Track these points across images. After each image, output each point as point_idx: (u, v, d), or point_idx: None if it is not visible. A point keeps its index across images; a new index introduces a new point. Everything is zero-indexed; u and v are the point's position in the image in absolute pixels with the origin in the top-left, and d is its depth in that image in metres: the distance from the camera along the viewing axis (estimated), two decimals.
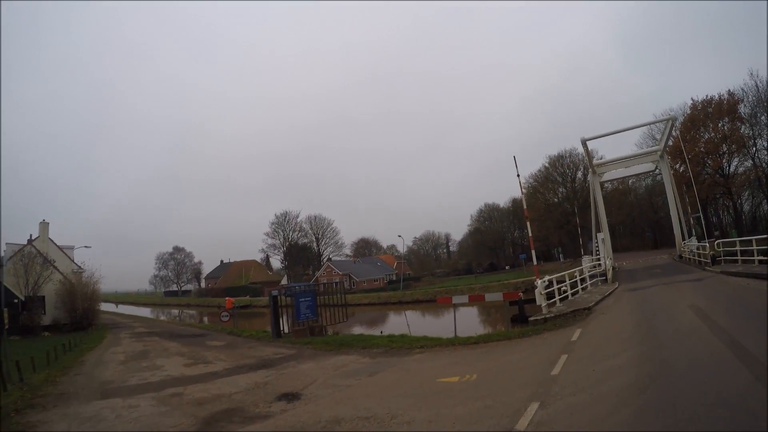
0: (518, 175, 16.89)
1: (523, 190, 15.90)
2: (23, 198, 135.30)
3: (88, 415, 8.91)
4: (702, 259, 23.83)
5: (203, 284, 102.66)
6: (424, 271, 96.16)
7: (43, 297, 33.97)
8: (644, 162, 34.18)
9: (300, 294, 22.34)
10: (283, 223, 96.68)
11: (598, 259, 29.90)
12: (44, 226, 38.96)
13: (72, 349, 22.08)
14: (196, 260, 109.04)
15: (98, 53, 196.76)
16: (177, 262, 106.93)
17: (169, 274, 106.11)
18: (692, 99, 50.91)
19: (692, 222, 37.16)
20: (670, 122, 27.88)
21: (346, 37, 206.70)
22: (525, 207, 16.78)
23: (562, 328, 13.10)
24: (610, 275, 23.26)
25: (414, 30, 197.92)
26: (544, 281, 15.86)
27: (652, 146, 37.78)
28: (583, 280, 21.43)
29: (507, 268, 73.30)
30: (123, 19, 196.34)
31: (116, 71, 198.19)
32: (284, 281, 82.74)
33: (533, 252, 17.36)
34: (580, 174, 65.17)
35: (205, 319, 52.51)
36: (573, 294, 19.23)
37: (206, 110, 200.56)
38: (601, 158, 40.55)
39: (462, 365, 10.39)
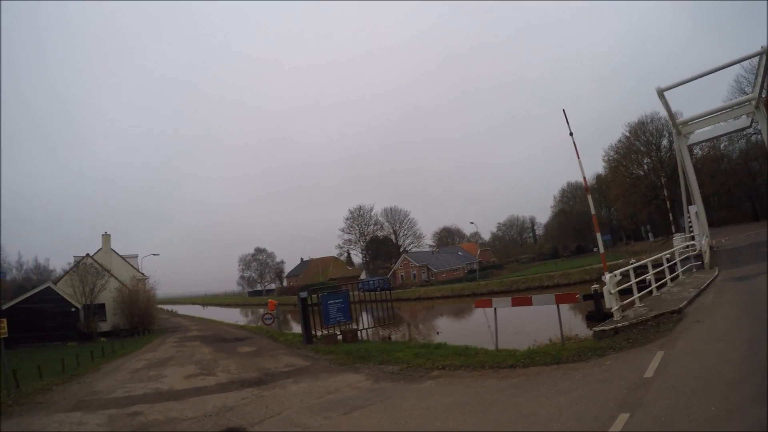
0: (571, 134, 12.66)
1: (581, 157, 11.66)
2: (120, 213, 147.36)
3: (35, 428, 9.06)
4: None
5: (285, 283, 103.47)
6: (509, 258, 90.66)
7: (103, 305, 34.64)
8: (736, 115, 27.50)
9: (328, 296, 19.81)
10: (357, 217, 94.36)
11: (692, 237, 24.47)
12: (106, 237, 40.19)
13: (107, 354, 21.85)
14: (278, 260, 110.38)
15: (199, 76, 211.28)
16: (259, 262, 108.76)
17: (253, 274, 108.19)
18: None
19: None
20: (765, 57, 21.56)
21: (410, 31, 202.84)
22: (583, 176, 12.41)
23: (637, 347, 8.91)
24: (707, 258, 18.21)
25: (479, 12, 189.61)
26: (615, 275, 11.65)
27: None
28: (672, 268, 16.70)
29: (595, 250, 66.03)
30: (219, 36, 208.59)
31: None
32: (363, 276, 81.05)
33: (599, 235, 13.09)
34: (665, 141, 56.42)
35: (289, 317, 51.14)
36: (659, 287, 14.70)
37: (288, 120, 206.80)
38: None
39: (468, 412, 6.92)
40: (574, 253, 76.20)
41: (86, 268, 33.78)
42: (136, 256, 45.41)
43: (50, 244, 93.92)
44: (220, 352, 20.01)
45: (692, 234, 25.08)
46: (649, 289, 13.98)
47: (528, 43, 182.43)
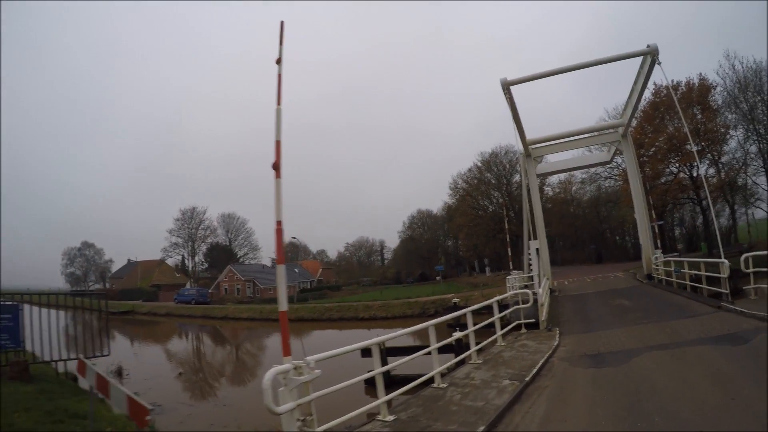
0: (278, 61, 4.70)
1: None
2: None
3: None
4: (703, 286, 12.38)
5: (108, 284, 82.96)
6: (351, 279, 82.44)
7: None
8: (599, 142, 23.48)
9: None
10: (188, 219, 77.07)
11: (531, 278, 18.31)
12: None
13: None
14: (106, 258, 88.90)
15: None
16: (86, 258, 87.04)
17: (77, 272, 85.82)
18: (654, 84, 35.90)
19: (656, 231, 25.29)
20: (649, 59, 16.26)
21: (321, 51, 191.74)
22: (278, 159, 4.28)
23: None
24: (544, 313, 11.35)
25: (387, 51, 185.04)
26: (306, 363, 3.84)
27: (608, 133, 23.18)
28: (485, 328, 9.45)
29: (438, 278, 61.20)
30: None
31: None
32: (189, 284, 68.34)
33: (281, 269, 4.88)
34: (517, 177, 52.64)
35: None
36: (446, 372, 7.23)
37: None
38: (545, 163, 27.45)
39: None
40: (418, 280, 71.53)
41: None
42: None
43: None
44: None
45: (531, 274, 19.05)
46: (428, 376, 6.39)
47: (418, 92, 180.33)
